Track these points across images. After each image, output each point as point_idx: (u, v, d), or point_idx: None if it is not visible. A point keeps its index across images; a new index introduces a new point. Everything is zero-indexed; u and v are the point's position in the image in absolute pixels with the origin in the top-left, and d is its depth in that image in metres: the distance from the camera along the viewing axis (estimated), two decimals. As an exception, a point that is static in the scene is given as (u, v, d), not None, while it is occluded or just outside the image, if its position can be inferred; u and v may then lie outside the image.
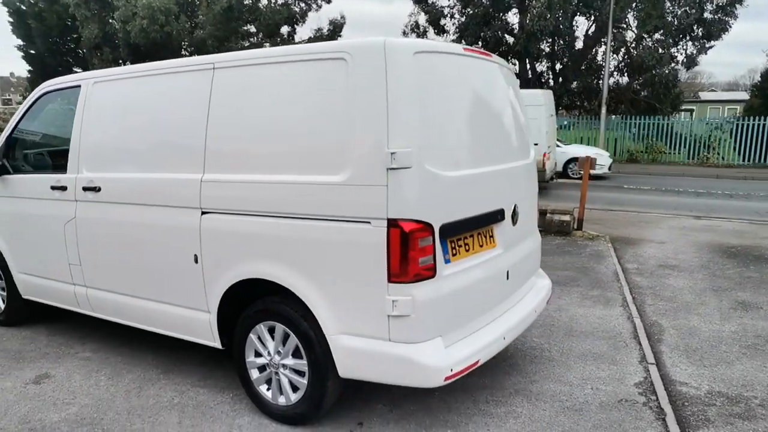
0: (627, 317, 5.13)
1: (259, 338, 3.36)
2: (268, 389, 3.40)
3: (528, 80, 26.50)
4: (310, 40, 29.01)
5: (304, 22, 29.19)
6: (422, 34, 26.86)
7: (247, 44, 26.39)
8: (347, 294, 2.99)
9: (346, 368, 3.03)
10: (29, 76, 30.53)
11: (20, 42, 29.08)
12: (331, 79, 2.99)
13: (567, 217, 8.68)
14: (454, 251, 3.10)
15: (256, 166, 3.26)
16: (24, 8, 28.38)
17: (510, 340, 3.45)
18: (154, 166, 3.70)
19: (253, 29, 27.69)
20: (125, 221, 3.85)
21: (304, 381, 3.21)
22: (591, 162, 8.79)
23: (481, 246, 3.33)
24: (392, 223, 2.80)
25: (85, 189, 4.05)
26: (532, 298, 3.90)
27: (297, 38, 30.04)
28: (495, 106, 3.57)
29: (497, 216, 3.42)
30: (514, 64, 26.92)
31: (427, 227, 2.85)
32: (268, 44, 27.92)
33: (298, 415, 3.28)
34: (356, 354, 2.98)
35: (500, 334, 3.34)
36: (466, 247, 3.20)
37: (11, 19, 28.51)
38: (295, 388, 3.28)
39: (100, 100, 4.07)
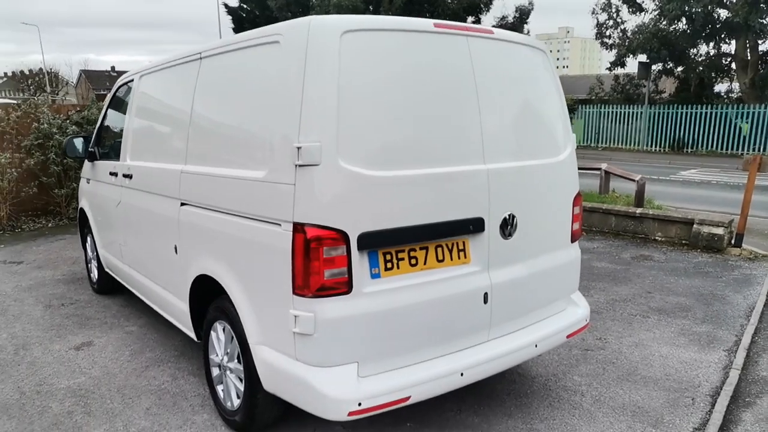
0: (723, 366, 3.95)
1: (217, 337, 3.27)
2: (223, 389, 3.30)
3: (746, 63, 22.41)
4: (492, 30, 28.18)
5: (488, 10, 28.45)
6: (615, 14, 24.25)
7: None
8: (266, 302, 2.73)
9: (267, 382, 2.78)
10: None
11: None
12: (267, 65, 2.75)
13: (719, 230, 7.08)
14: (388, 265, 2.63)
15: (211, 159, 3.17)
16: (243, 15, 32.19)
17: (474, 378, 2.84)
18: (163, 156, 3.81)
19: (436, 21, 27.80)
20: (144, 207, 4.06)
21: (242, 388, 3.04)
22: (761, 161, 7.02)
23: (441, 261, 2.79)
24: (297, 228, 2.46)
25: (124, 176, 4.36)
26: (538, 329, 3.18)
27: (481, 28, 29.42)
28: (487, 95, 2.91)
29: (468, 226, 2.82)
30: (728, 43, 22.99)
31: (340, 235, 2.45)
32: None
33: (236, 423, 3.12)
34: (272, 368, 2.71)
35: (456, 369, 2.76)
36: (413, 260, 2.70)
37: (233, 26, 32.58)
38: (238, 394, 3.12)
39: (141, 92, 4.34)
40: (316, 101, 2.42)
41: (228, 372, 3.17)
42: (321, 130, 2.42)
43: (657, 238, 7.67)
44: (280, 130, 2.57)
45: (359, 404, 2.48)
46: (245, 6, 30.54)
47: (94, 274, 5.69)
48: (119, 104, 4.95)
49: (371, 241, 2.53)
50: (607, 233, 8.12)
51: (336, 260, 2.46)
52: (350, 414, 2.48)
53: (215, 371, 3.34)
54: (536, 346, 3.12)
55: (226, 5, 31.39)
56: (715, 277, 6.08)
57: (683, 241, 7.43)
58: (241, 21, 32.28)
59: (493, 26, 28.92)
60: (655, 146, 23.38)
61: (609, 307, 5.20)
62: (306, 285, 2.45)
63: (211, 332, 3.31)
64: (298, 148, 2.41)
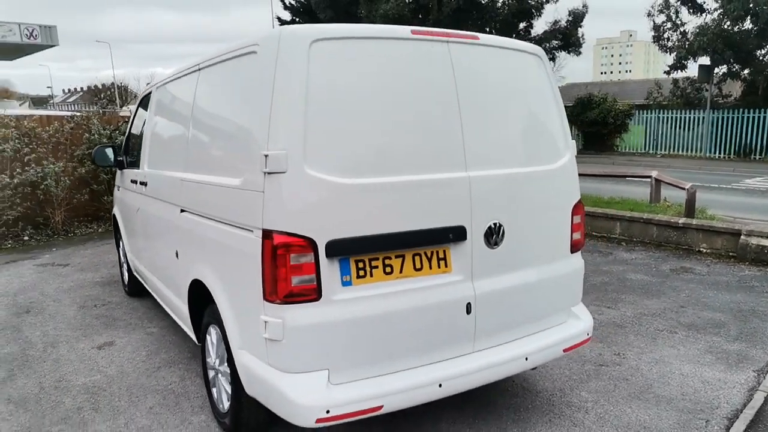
0: (749, 388, 3.68)
1: (211, 340, 3.34)
2: (216, 392, 3.36)
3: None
4: (544, 34, 27.65)
5: (539, 15, 27.91)
6: (674, 15, 23.22)
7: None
8: (244, 307, 2.77)
9: (248, 386, 2.81)
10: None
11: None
12: (246, 74, 2.82)
13: (768, 242, 6.62)
14: (361, 272, 2.61)
15: (203, 167, 3.26)
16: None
17: (454, 390, 2.77)
18: (169, 165, 3.95)
19: (487, 29, 27.49)
20: (155, 214, 4.22)
21: (230, 391, 3.09)
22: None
23: (419, 269, 2.74)
24: (266, 235, 2.49)
25: (141, 183, 4.55)
26: (530, 341, 3.07)
27: (533, 33, 28.94)
28: (470, 101, 2.84)
29: (448, 234, 2.77)
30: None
31: (307, 242, 2.46)
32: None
33: (226, 426, 3.18)
34: (250, 372, 2.74)
35: (434, 379, 2.70)
36: (387, 269, 2.66)
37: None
38: (228, 397, 3.17)
39: (156, 103, 4.52)
40: (283, 110, 2.45)
41: (219, 375, 3.23)
42: (288, 138, 2.44)
43: (702, 249, 7.26)
44: (253, 138, 2.61)
45: (327, 411, 2.47)
46: (297, 20, 31.35)
47: (125, 277, 5.94)
48: (141, 114, 5.17)
49: (341, 249, 2.52)
50: (648, 244, 7.76)
51: (304, 267, 2.46)
52: (318, 421, 2.47)
53: (211, 374, 3.41)
54: (527, 359, 3.01)
55: (279, 19, 32.33)
56: (759, 293, 5.68)
57: (730, 254, 7.00)
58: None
59: (545, 32, 28.31)
60: (719, 153, 22.19)
61: (635, 321, 4.96)
62: (274, 291, 2.47)
63: (207, 336, 3.38)
64: (266, 155, 2.44)
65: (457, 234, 2.79)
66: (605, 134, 25.33)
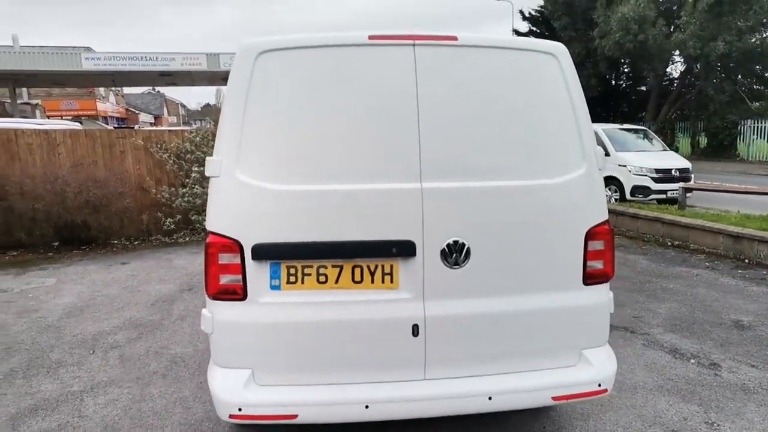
0: None
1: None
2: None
3: None
4: None
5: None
6: None
7: (743, 41, 22.34)
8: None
9: (216, 374, 3.04)
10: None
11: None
12: None
13: None
14: (292, 278, 2.61)
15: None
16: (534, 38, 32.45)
17: (385, 415, 2.58)
18: None
19: (765, 20, 23.15)
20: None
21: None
22: None
23: (358, 282, 2.62)
24: (207, 235, 2.69)
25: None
26: (506, 380, 2.66)
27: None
28: (434, 108, 2.57)
29: (391, 249, 2.58)
30: None
31: (234, 243, 2.58)
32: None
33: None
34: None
35: (360, 399, 2.56)
36: (321, 278, 2.61)
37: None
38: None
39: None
40: (226, 119, 2.62)
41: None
42: (226, 144, 2.59)
43: None
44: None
45: (239, 409, 2.55)
46: (534, 28, 30.77)
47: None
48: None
49: (269, 253, 2.57)
50: None
51: (230, 267, 2.59)
52: (231, 417, 2.56)
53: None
54: (490, 398, 2.62)
55: (516, 32, 32.09)
56: None
57: None
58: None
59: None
60: None
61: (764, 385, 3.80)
62: (207, 287, 2.65)
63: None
64: (207, 161, 2.64)
65: (403, 249, 2.59)
66: None
